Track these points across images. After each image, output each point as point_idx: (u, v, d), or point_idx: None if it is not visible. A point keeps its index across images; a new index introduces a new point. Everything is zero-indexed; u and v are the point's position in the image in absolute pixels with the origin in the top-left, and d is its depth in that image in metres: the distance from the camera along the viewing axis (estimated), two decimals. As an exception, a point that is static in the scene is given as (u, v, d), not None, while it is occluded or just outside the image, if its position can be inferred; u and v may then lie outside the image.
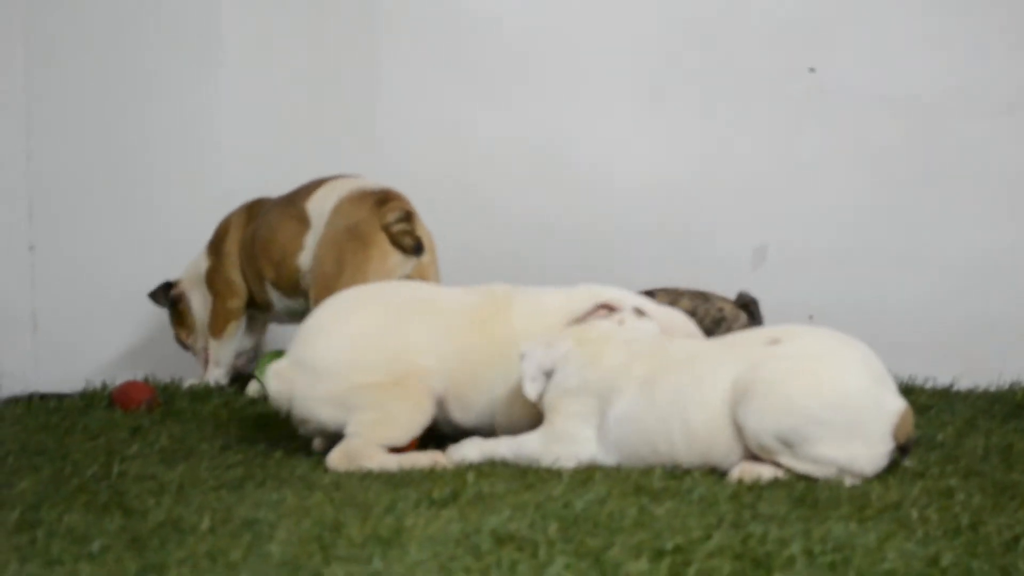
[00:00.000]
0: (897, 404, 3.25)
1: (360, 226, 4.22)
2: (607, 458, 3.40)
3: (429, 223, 4.48)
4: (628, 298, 3.69)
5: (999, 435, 3.78)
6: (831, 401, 3.20)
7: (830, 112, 4.86)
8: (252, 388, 4.51)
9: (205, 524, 2.87)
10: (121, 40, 4.86)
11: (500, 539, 2.69)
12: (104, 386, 4.44)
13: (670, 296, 4.16)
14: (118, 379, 4.51)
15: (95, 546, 2.72)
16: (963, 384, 4.60)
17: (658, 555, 2.61)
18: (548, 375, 3.52)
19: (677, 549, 2.63)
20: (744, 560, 2.57)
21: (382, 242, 4.21)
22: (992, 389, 4.55)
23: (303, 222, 4.43)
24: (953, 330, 4.74)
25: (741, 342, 3.44)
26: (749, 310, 4.15)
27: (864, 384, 3.25)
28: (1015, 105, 4.73)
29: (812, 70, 4.86)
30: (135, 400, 4.24)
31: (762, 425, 3.21)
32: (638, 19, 5.02)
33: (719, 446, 3.29)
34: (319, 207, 4.40)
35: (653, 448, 3.35)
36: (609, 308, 3.64)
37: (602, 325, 3.59)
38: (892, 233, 4.82)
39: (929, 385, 4.53)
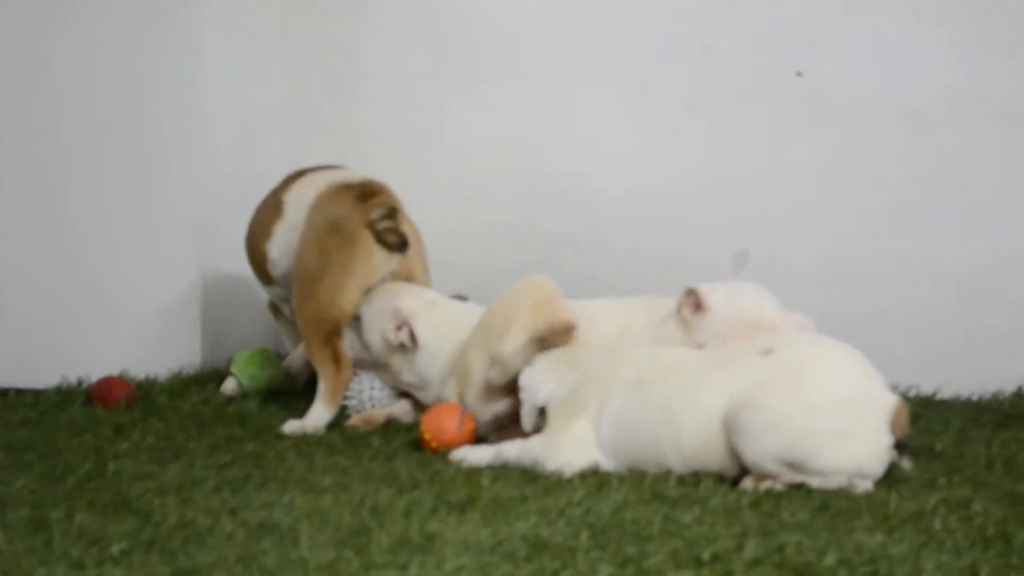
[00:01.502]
0: (889, 397, 3.25)
1: (342, 223, 4.13)
2: (607, 463, 3.37)
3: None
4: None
5: (997, 445, 3.77)
6: (823, 410, 3.18)
7: (818, 117, 4.83)
8: (228, 385, 4.43)
9: (223, 527, 2.80)
10: (104, 40, 4.74)
11: (535, 546, 2.65)
12: (80, 382, 4.34)
13: None
14: (86, 374, 4.41)
15: (115, 549, 2.64)
16: (945, 393, 4.60)
17: (698, 564, 2.57)
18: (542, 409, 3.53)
19: (715, 558, 2.60)
20: (786, 570, 2.54)
21: (366, 240, 4.12)
22: (975, 398, 4.55)
23: (276, 211, 4.35)
24: (938, 339, 4.73)
25: (733, 352, 3.41)
26: None
27: (853, 382, 3.24)
28: (1006, 113, 4.73)
29: (799, 74, 4.84)
30: (115, 396, 4.15)
31: (761, 454, 3.19)
32: (624, 21, 4.96)
33: (712, 457, 3.28)
34: (296, 199, 4.31)
35: (645, 452, 3.33)
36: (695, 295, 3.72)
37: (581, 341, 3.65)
38: (879, 241, 4.79)
39: (913, 393, 4.53)
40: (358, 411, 4.20)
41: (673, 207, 4.92)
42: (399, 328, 4.06)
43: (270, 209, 4.39)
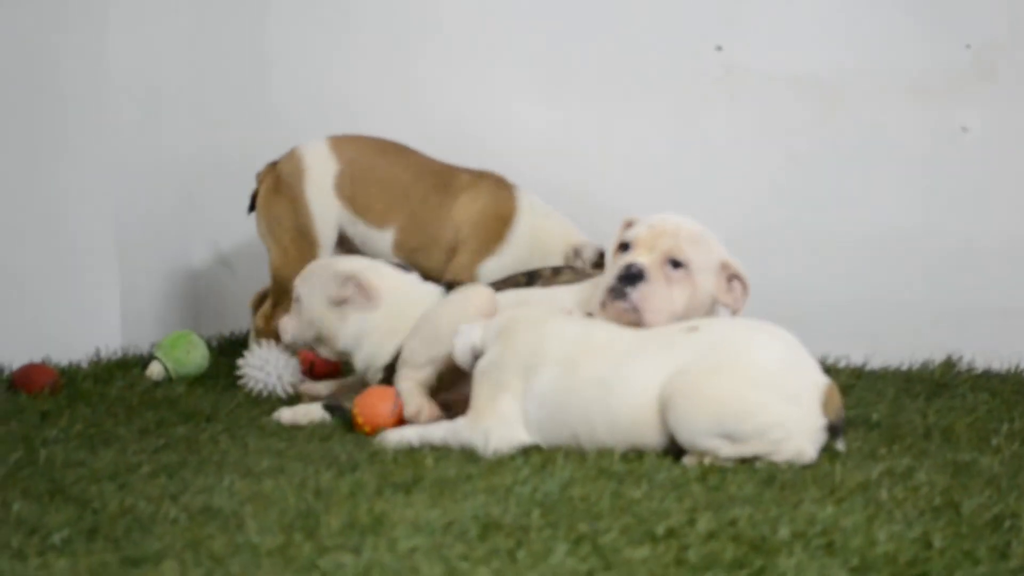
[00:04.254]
0: (820, 379, 3.24)
1: None
2: (536, 438, 3.34)
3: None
4: None
5: (933, 414, 3.80)
6: (753, 381, 3.17)
7: (737, 91, 4.85)
8: (154, 370, 4.35)
9: (165, 513, 2.74)
10: (5, 20, 4.60)
11: (487, 526, 2.61)
12: (1, 369, 4.23)
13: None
14: (7, 362, 4.30)
15: (56, 538, 2.57)
16: (875, 364, 4.63)
17: (652, 540, 2.55)
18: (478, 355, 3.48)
19: (669, 533, 2.58)
20: (742, 543, 2.53)
21: None
22: (904, 368, 4.58)
23: None
24: (862, 309, 4.76)
25: (662, 331, 3.38)
26: None
27: (781, 357, 3.23)
28: (917, 87, 4.77)
29: (719, 48, 4.84)
30: (38, 383, 4.04)
31: (694, 430, 3.17)
32: (541, -5, 4.98)
33: (644, 433, 3.25)
34: None
35: (575, 429, 3.30)
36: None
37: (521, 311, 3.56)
38: (799, 213, 4.82)
39: (843, 364, 4.54)
40: (265, 390, 4.18)
41: (594, 182, 4.91)
42: (345, 286, 3.91)
43: None
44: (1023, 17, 4.74)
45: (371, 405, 3.70)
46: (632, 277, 3.42)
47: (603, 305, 3.45)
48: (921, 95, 4.76)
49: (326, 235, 4.50)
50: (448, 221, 4.48)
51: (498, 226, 4.49)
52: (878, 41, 4.79)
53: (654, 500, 2.83)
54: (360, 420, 3.67)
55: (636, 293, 3.41)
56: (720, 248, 3.58)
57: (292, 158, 4.53)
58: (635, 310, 3.41)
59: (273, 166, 4.55)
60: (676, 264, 3.46)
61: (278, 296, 4.47)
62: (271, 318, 4.45)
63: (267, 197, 4.53)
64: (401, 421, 3.68)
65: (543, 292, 3.82)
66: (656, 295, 3.42)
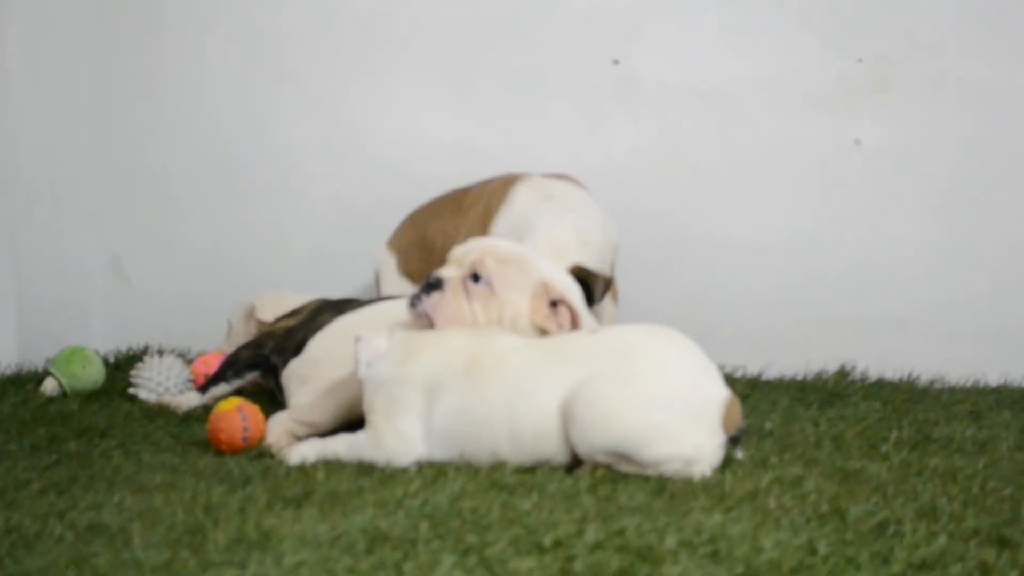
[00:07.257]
0: (722, 393, 3.23)
1: None
2: (435, 454, 3.32)
3: (231, 212, 4.81)
4: None
5: (825, 423, 3.85)
6: (655, 405, 3.15)
7: (636, 104, 4.88)
8: (48, 386, 4.31)
9: (51, 531, 2.72)
10: None
11: (374, 539, 2.61)
12: None
13: None
14: None
15: (-62, 557, 2.55)
16: (771, 374, 4.67)
17: (539, 550, 2.56)
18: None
19: (557, 544, 2.59)
20: (628, 553, 2.54)
21: None
22: (799, 377, 4.63)
23: None
24: (761, 321, 4.81)
25: (565, 340, 3.37)
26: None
27: (687, 376, 3.21)
28: (811, 99, 4.83)
29: (616, 62, 4.87)
30: (-71, 400, 4.00)
31: (593, 447, 3.17)
32: (442, 10, 4.96)
33: (547, 447, 3.24)
34: None
35: (479, 443, 3.29)
36: None
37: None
38: (696, 223, 4.86)
39: (740, 375, 4.58)
40: (150, 397, 4.22)
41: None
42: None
43: None
44: (914, 32, 4.80)
45: (225, 416, 3.62)
46: (430, 287, 3.47)
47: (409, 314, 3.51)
48: (815, 108, 4.82)
49: None
50: None
51: None
52: (773, 54, 4.84)
53: (544, 511, 2.83)
54: (222, 436, 3.59)
55: (428, 301, 3.45)
56: (543, 272, 3.49)
57: None
58: (425, 316, 3.45)
59: None
60: (477, 278, 3.47)
61: None
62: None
63: None
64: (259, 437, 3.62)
65: (372, 308, 3.84)
66: (448, 305, 3.45)
